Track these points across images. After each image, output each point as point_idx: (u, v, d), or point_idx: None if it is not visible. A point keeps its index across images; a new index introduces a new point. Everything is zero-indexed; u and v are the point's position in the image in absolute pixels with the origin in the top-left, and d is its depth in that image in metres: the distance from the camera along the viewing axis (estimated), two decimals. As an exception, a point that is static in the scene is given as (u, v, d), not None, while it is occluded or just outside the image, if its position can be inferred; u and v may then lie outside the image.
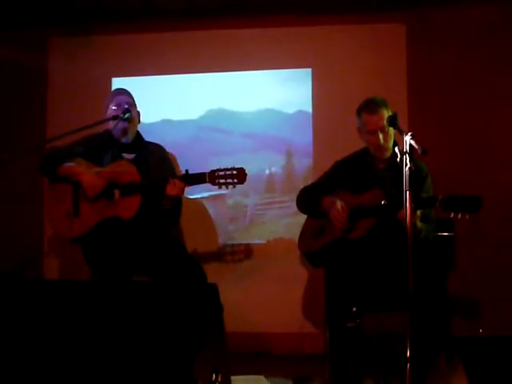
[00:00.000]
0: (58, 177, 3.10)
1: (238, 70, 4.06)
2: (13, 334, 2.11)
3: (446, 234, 3.30)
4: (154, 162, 3.21)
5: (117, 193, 3.04)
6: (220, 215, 4.01)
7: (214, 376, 2.10)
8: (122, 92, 3.25)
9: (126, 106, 3.15)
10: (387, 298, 2.89)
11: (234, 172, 2.94)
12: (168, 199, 3.00)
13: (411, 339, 2.32)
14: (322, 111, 3.97)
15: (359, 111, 3.10)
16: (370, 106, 3.06)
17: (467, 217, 2.66)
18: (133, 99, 3.24)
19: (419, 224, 2.84)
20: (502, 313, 3.55)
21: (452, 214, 2.68)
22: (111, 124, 3.16)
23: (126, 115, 3.12)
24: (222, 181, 2.94)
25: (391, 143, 3.06)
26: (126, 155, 3.18)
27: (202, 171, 2.98)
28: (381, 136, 3.01)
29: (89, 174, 3.05)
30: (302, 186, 3.41)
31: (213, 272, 3.39)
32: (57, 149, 3.20)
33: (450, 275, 3.11)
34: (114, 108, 3.17)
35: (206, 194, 3.98)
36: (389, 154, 3.07)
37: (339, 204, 3.01)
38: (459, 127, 3.82)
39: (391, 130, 3.02)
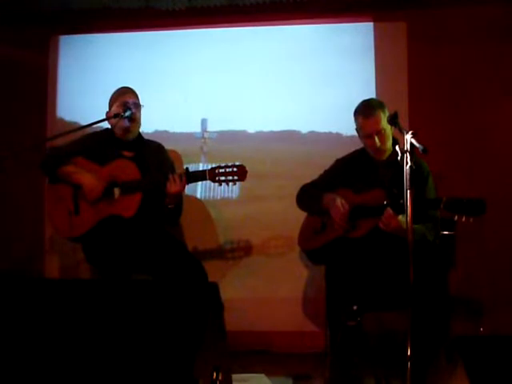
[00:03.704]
0: (58, 177, 3.10)
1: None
2: (13, 332, 2.11)
3: (446, 233, 3.30)
4: (154, 160, 3.21)
5: (117, 191, 3.03)
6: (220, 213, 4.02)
7: (214, 374, 2.10)
8: (128, 91, 3.23)
9: (130, 106, 3.14)
10: (388, 296, 2.89)
11: (235, 169, 2.94)
12: (169, 197, 3.00)
13: (412, 338, 2.32)
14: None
15: (355, 114, 3.09)
16: (365, 110, 3.04)
17: (471, 220, 2.66)
18: (138, 98, 3.22)
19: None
20: (503, 312, 3.55)
21: (456, 217, 2.68)
22: (113, 122, 3.15)
23: (127, 113, 3.10)
24: (222, 178, 2.94)
25: (389, 144, 3.05)
26: (125, 153, 3.18)
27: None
28: (377, 139, 3.00)
29: (89, 177, 3.04)
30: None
31: (213, 270, 3.39)
32: (57, 148, 3.19)
33: (450, 274, 3.11)
34: (117, 106, 3.16)
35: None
36: (386, 155, 3.07)
37: (340, 202, 3.01)
38: (460, 126, 3.82)
39: (388, 131, 3.01)
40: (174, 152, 3.56)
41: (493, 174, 3.75)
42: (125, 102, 3.15)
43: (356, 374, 2.86)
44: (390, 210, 2.86)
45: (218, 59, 4.06)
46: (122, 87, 3.26)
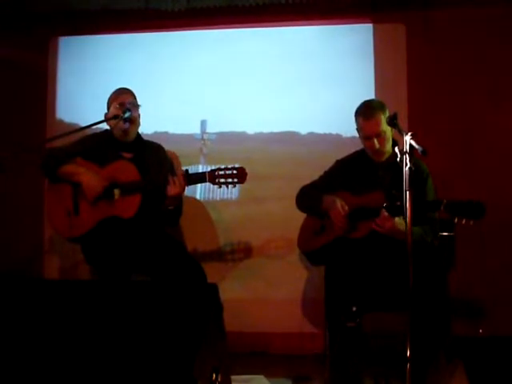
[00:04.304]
0: (58, 177, 3.10)
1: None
2: (13, 333, 2.11)
3: (446, 233, 3.30)
4: (153, 161, 3.21)
5: (117, 192, 3.04)
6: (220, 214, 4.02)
7: (214, 375, 2.10)
8: (125, 91, 3.22)
9: (128, 106, 3.14)
10: (387, 297, 2.89)
11: (235, 171, 2.94)
12: (169, 199, 3.00)
13: (411, 339, 2.32)
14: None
15: (356, 114, 3.08)
16: (366, 111, 3.03)
17: (471, 223, 2.66)
18: (135, 99, 3.22)
19: (402, 228, 2.84)
20: (502, 313, 3.55)
21: (456, 219, 2.68)
22: (112, 123, 3.15)
23: (126, 114, 3.10)
24: (222, 180, 2.94)
25: (388, 146, 3.04)
26: (125, 154, 3.18)
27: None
28: (376, 141, 3.00)
29: (89, 175, 3.05)
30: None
31: (213, 271, 3.39)
32: (57, 149, 3.19)
33: (450, 275, 3.11)
34: (116, 107, 3.16)
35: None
36: (385, 157, 3.06)
37: (339, 204, 3.01)
38: (459, 127, 3.82)
39: (388, 134, 3.01)
40: (172, 153, 3.57)
41: (492, 175, 3.75)
42: (123, 103, 3.15)
43: (356, 375, 2.86)
44: (384, 212, 2.86)
45: (217, 60, 4.06)
46: (120, 88, 3.26)
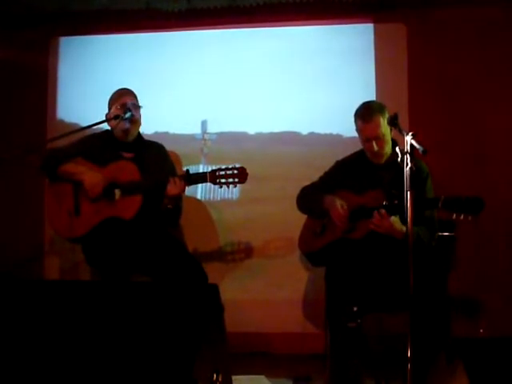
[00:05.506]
0: (58, 176, 3.10)
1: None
2: (13, 334, 2.11)
3: (446, 234, 3.30)
4: (154, 161, 3.21)
5: (117, 192, 3.04)
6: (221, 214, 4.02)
7: (214, 376, 2.10)
8: (127, 92, 3.22)
9: (129, 107, 3.14)
10: (388, 298, 2.89)
11: (235, 171, 2.94)
12: (169, 199, 3.00)
13: (412, 339, 2.32)
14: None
15: (355, 116, 3.06)
16: (365, 114, 3.00)
17: (470, 218, 2.65)
18: (137, 99, 3.22)
19: (398, 227, 2.83)
20: (502, 313, 3.55)
21: (454, 215, 2.67)
22: (113, 124, 3.15)
23: (127, 115, 3.10)
24: (223, 180, 2.94)
25: (387, 148, 3.03)
26: (126, 154, 3.18)
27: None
28: (375, 144, 2.98)
29: (90, 174, 3.05)
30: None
31: (213, 271, 3.39)
32: (57, 149, 3.19)
33: (450, 275, 3.11)
34: (117, 108, 3.16)
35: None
36: (384, 159, 3.05)
37: (340, 204, 3.00)
38: (459, 127, 3.82)
39: (388, 136, 2.99)
40: (173, 154, 3.56)
41: (492, 175, 3.75)
42: (124, 103, 3.15)
43: (356, 376, 2.86)
44: (381, 211, 2.85)
45: (218, 60, 4.06)
46: (121, 88, 3.25)
